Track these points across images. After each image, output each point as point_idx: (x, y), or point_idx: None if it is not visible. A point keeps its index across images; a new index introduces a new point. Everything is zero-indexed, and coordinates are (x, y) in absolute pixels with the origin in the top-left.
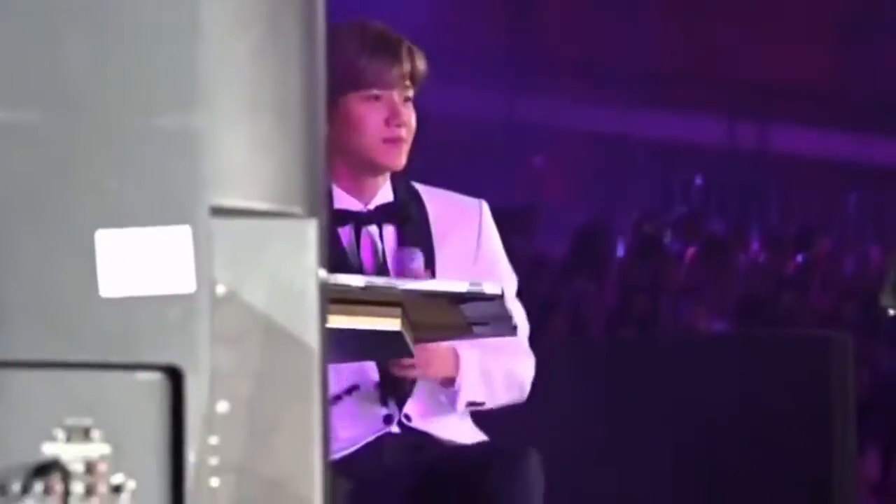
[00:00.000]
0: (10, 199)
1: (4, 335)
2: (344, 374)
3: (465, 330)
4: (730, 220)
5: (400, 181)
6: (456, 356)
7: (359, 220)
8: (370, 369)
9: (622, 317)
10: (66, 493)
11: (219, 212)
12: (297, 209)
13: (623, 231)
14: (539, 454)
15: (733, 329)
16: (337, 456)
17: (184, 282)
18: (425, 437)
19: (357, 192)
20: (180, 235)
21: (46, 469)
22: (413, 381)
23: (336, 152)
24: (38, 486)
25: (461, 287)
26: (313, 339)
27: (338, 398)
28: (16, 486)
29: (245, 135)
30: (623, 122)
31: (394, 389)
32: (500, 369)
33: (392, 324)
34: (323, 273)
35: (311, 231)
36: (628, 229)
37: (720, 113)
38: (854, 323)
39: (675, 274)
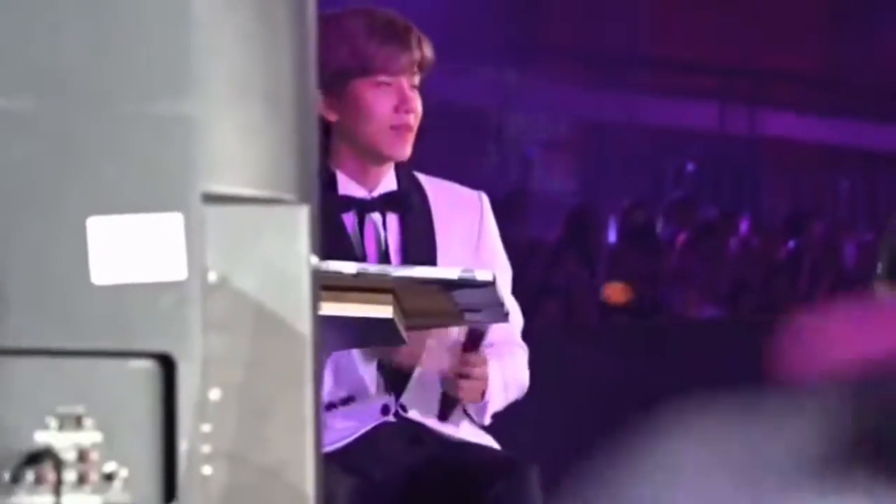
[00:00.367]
0: (3, 186)
1: None
2: (343, 383)
3: (457, 317)
4: (722, 205)
5: (402, 170)
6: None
7: (362, 207)
8: (369, 381)
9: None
10: (59, 482)
11: (210, 199)
12: (289, 196)
13: (615, 217)
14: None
15: (725, 315)
16: (334, 447)
17: (175, 269)
18: (421, 428)
19: (362, 179)
20: (172, 222)
21: (38, 457)
22: (409, 373)
23: (343, 139)
24: (30, 475)
25: (453, 274)
26: (305, 326)
27: (332, 406)
28: (7, 475)
29: (236, 121)
30: (614, 108)
31: (390, 380)
32: (513, 377)
33: (384, 311)
34: (315, 260)
35: (302, 217)
36: (620, 215)
37: (711, 99)
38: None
39: (667, 260)
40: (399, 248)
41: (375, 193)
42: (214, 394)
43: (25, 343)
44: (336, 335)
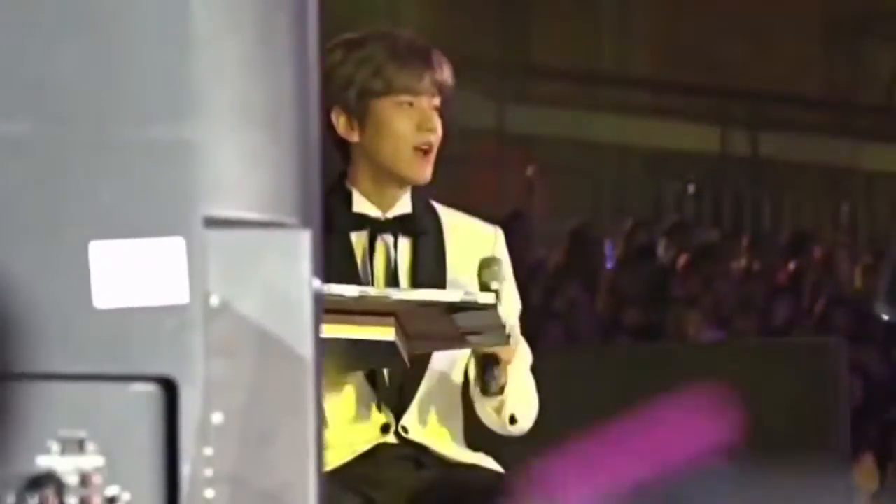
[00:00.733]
0: (3, 210)
1: None
2: None
3: (459, 339)
4: (722, 227)
5: (419, 196)
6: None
7: (375, 227)
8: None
9: (615, 325)
10: None
11: (212, 222)
12: (291, 219)
13: (616, 239)
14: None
15: (726, 337)
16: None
17: (178, 293)
18: (422, 451)
19: (377, 200)
20: (174, 246)
21: (41, 481)
22: (411, 394)
23: (363, 160)
24: (33, 499)
25: (455, 297)
26: (307, 350)
27: None
28: (10, 499)
29: (238, 145)
30: (614, 130)
31: (391, 400)
32: (529, 390)
33: (386, 333)
34: (317, 283)
35: (304, 241)
36: (621, 238)
37: (712, 120)
38: (847, 330)
39: (668, 282)
40: (408, 271)
41: (390, 214)
42: (216, 417)
43: (27, 367)
44: (338, 358)
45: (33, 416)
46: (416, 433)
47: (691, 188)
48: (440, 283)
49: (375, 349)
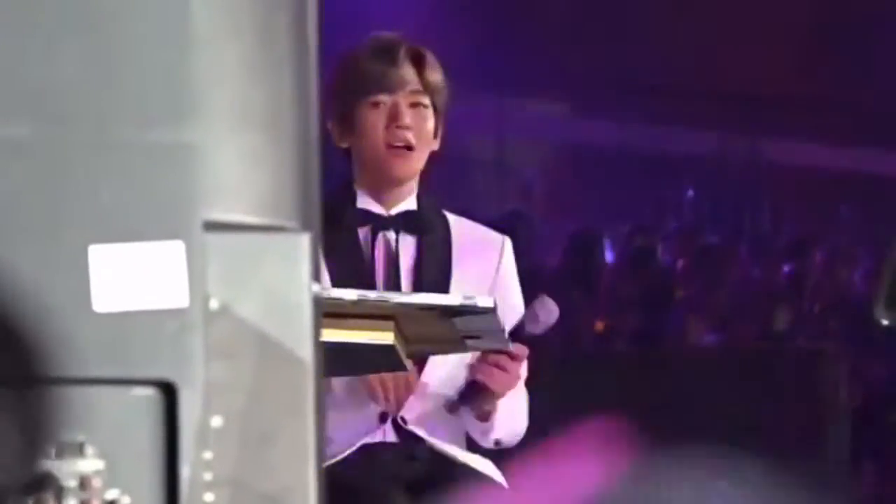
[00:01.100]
0: (3, 213)
1: None
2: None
3: (459, 343)
4: (722, 232)
5: (428, 199)
6: None
7: (377, 223)
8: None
9: (614, 330)
10: None
11: (212, 226)
12: (291, 223)
13: (615, 244)
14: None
15: (726, 342)
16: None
17: (177, 296)
18: (421, 443)
19: (379, 198)
20: (173, 250)
21: (40, 485)
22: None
23: (357, 163)
24: (32, 503)
25: (454, 300)
26: (307, 353)
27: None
28: (10, 503)
29: (238, 148)
30: (614, 134)
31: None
32: (518, 410)
33: (385, 337)
34: (317, 287)
35: (304, 245)
36: (621, 242)
37: (711, 125)
38: (847, 335)
39: (668, 287)
40: (412, 268)
41: (393, 211)
42: (216, 421)
43: (27, 371)
44: (337, 362)
45: (33, 420)
46: (416, 425)
47: (691, 193)
48: (444, 284)
49: (374, 352)
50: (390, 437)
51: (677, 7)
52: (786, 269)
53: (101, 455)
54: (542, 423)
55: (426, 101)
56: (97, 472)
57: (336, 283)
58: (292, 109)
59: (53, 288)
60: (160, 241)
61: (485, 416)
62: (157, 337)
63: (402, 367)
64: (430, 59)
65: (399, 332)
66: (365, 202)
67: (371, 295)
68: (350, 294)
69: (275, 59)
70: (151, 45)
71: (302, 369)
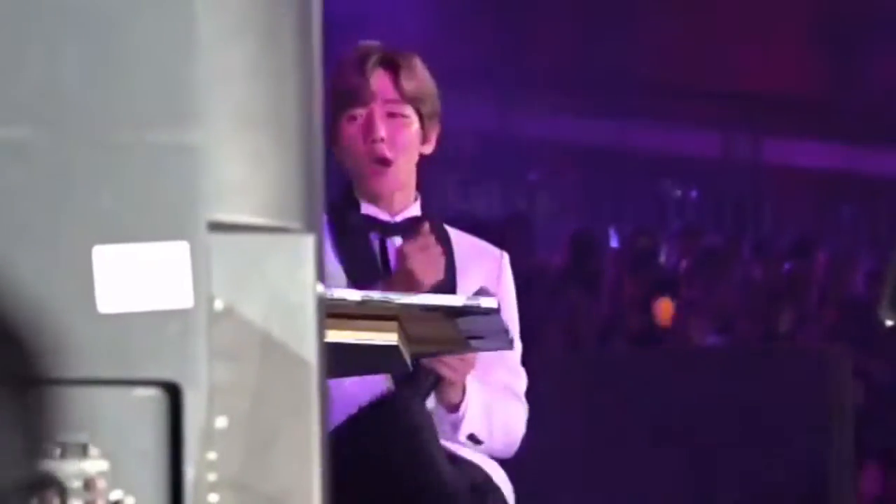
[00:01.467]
0: (5, 216)
1: (1, 351)
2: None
3: (462, 344)
4: (725, 232)
5: (429, 213)
6: (464, 385)
7: (384, 230)
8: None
9: (616, 330)
10: None
11: (216, 227)
12: (295, 224)
13: (618, 244)
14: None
15: (729, 342)
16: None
17: (181, 297)
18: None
19: (381, 205)
20: (178, 251)
21: (43, 485)
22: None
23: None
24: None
25: (458, 301)
26: (311, 354)
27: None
28: None
29: (242, 149)
30: (617, 135)
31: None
32: (501, 413)
33: (389, 338)
34: (321, 288)
35: (308, 246)
36: (623, 242)
37: (714, 125)
38: (851, 335)
39: (671, 287)
40: None
41: (398, 218)
42: (220, 422)
43: (31, 372)
44: (341, 362)
45: (36, 420)
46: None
47: (693, 193)
48: (450, 290)
49: (379, 353)
50: None
51: (679, 6)
52: (788, 268)
53: (105, 456)
54: (543, 424)
55: (404, 109)
56: (101, 473)
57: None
58: (297, 111)
59: (58, 289)
60: (165, 241)
61: (453, 407)
62: (162, 338)
63: (406, 368)
64: (409, 65)
65: (403, 333)
66: (368, 208)
67: (375, 296)
68: (354, 295)
69: (279, 61)
70: (155, 46)
71: (306, 370)
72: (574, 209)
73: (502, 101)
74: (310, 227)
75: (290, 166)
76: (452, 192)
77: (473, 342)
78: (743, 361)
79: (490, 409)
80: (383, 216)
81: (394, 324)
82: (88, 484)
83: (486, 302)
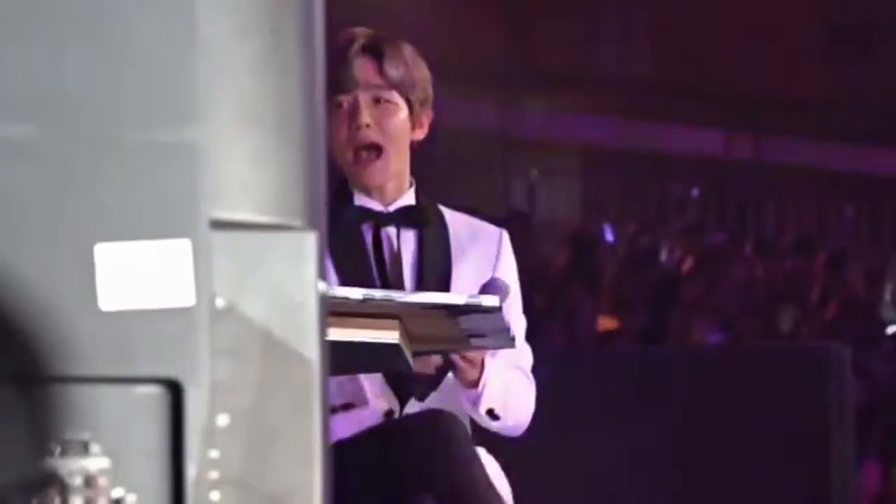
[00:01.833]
0: (7, 214)
1: (2, 349)
2: (345, 389)
3: (463, 342)
4: (727, 231)
5: (424, 195)
6: (482, 361)
7: (378, 220)
8: (368, 391)
9: (618, 329)
10: None
11: (218, 225)
12: (297, 222)
13: (619, 243)
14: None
15: (730, 341)
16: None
17: (183, 295)
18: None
19: (375, 195)
20: (180, 249)
21: (45, 483)
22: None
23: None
24: (37, 501)
25: (459, 300)
26: (313, 352)
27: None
28: (14, 502)
29: (244, 147)
30: (619, 133)
31: (397, 387)
32: (516, 388)
33: (390, 336)
34: (322, 286)
35: (310, 243)
36: (624, 241)
37: (716, 125)
38: (851, 333)
39: (672, 286)
40: (413, 263)
41: (392, 208)
42: (222, 420)
43: (32, 370)
44: (342, 360)
45: (38, 418)
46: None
47: (695, 192)
48: (445, 276)
49: (380, 351)
50: None
51: (682, 7)
52: (789, 267)
53: (107, 453)
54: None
55: (391, 96)
56: (103, 471)
57: (343, 281)
58: (298, 108)
59: (60, 286)
60: (166, 239)
61: (472, 383)
62: (164, 335)
63: (407, 366)
64: (394, 52)
65: (404, 331)
66: (362, 199)
67: (376, 294)
68: (356, 293)
69: (281, 59)
70: (157, 44)
71: (308, 368)
72: (575, 207)
73: (503, 98)
74: (311, 224)
75: (292, 164)
76: (454, 190)
77: (475, 340)
78: (743, 360)
79: (507, 385)
80: (377, 206)
81: (395, 322)
82: (90, 481)
83: (488, 300)
